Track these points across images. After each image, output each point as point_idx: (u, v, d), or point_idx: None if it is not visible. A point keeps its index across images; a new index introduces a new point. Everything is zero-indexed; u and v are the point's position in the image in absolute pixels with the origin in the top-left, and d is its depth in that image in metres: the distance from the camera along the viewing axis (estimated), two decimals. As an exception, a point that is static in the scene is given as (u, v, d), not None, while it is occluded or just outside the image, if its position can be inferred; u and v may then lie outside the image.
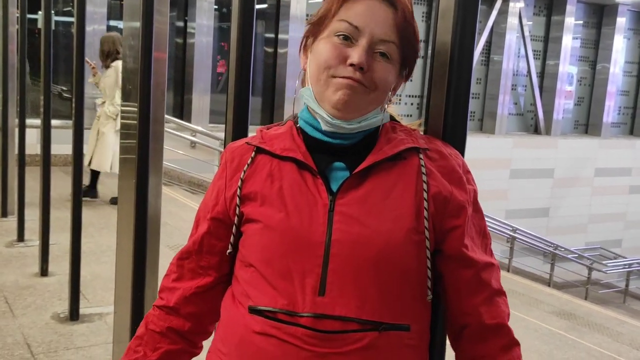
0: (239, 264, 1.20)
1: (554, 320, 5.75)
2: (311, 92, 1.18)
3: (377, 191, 1.13)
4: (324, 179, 1.15)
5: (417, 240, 1.12)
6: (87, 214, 4.07)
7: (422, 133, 1.28)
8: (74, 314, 3.65)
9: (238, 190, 1.18)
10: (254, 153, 1.21)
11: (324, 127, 1.16)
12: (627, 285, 11.85)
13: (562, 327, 5.51)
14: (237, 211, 1.18)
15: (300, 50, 1.25)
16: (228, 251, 1.21)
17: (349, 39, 1.14)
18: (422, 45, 12.90)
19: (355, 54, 1.12)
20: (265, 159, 1.20)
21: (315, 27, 1.20)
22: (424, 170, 1.16)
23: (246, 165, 1.20)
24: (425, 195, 1.14)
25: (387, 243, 1.10)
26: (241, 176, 1.19)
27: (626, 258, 13.08)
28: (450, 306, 1.20)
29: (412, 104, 12.82)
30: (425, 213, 1.13)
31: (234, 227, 1.20)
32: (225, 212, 1.21)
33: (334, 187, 1.14)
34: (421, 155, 1.18)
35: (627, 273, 12.04)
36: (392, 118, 1.25)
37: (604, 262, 12.31)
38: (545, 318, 5.76)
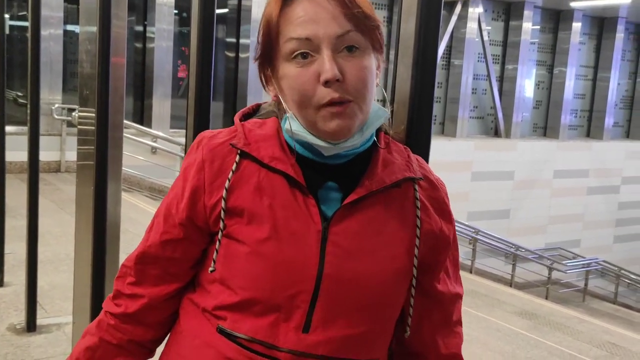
0: (212, 278, 1.10)
1: (516, 320, 5.83)
2: (299, 125, 1.06)
3: (371, 224, 1.07)
4: (316, 200, 1.06)
5: (406, 279, 1.10)
6: (44, 221, 3.97)
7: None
8: (31, 325, 3.56)
9: (223, 201, 1.06)
10: (238, 157, 1.08)
11: (326, 154, 1.06)
12: (586, 285, 12.10)
13: (524, 327, 5.59)
14: (221, 225, 1.07)
15: (262, 84, 1.13)
16: (210, 269, 1.08)
17: (308, 55, 1.02)
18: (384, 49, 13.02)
19: (325, 68, 1.01)
20: (252, 167, 1.08)
21: (266, 57, 1.09)
22: (418, 204, 1.11)
23: (231, 172, 1.07)
24: (417, 232, 1.10)
25: (379, 284, 1.06)
26: (226, 185, 1.06)
27: (585, 258, 13.36)
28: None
29: (374, 108, 12.89)
30: (416, 251, 1.10)
31: (218, 243, 1.08)
32: (204, 220, 1.09)
33: (326, 210, 1.06)
34: (416, 186, 1.12)
35: (585, 272, 12.30)
36: (385, 132, 1.16)
37: (563, 262, 12.55)
38: (507, 318, 5.84)
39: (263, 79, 1.13)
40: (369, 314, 1.07)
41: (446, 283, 1.16)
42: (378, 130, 1.14)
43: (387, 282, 1.07)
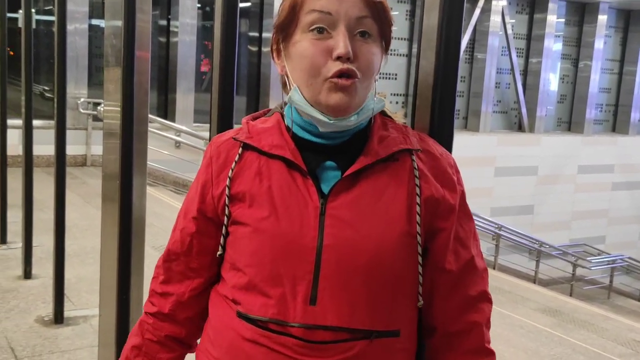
0: (227, 265, 1.17)
1: (539, 317, 5.78)
2: (301, 96, 1.12)
3: (369, 194, 1.10)
4: (314, 179, 1.11)
5: (408, 244, 1.11)
6: (70, 215, 4.03)
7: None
8: (58, 317, 3.61)
9: (227, 189, 1.14)
10: (241, 149, 1.16)
11: (321, 129, 1.12)
12: (611, 282, 11.96)
13: (548, 324, 5.54)
14: (226, 211, 1.14)
15: (272, 56, 1.20)
16: (218, 253, 1.17)
17: (324, 30, 1.08)
18: (406, 43, 13.00)
19: (339, 44, 1.07)
20: (252, 156, 1.15)
21: (284, 28, 1.14)
22: (416, 172, 1.13)
23: (234, 163, 1.15)
24: (417, 199, 1.11)
25: (379, 248, 1.08)
26: (229, 174, 1.14)
27: (610, 254, 13.19)
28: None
29: (397, 102, 12.85)
30: (418, 217, 1.11)
31: (224, 227, 1.16)
32: (214, 211, 1.17)
33: (325, 188, 1.11)
34: (414, 157, 1.15)
35: (611, 269, 12.15)
36: (383, 112, 1.21)
37: (588, 258, 12.40)
38: (531, 315, 5.79)
39: (275, 49, 1.18)
40: (372, 280, 1.08)
41: (458, 253, 1.15)
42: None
43: (386, 245, 1.08)
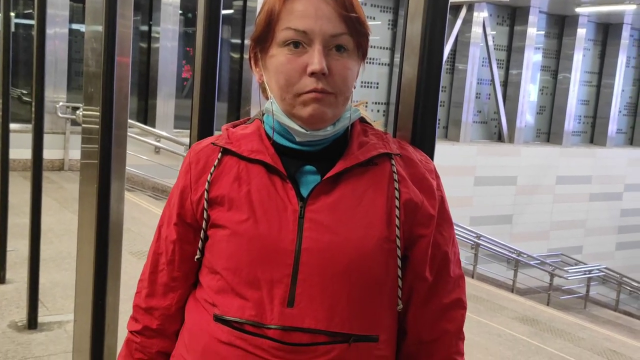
0: (205, 270, 1.16)
1: (517, 326, 5.81)
2: (277, 107, 1.14)
3: (348, 198, 1.11)
4: (293, 183, 1.11)
5: (387, 249, 1.10)
6: (47, 219, 3.98)
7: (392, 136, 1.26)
8: (32, 323, 3.56)
9: (205, 193, 1.14)
10: (220, 154, 1.16)
11: (298, 139, 1.13)
12: (587, 291, 12.08)
13: (525, 333, 5.57)
14: (204, 215, 1.14)
15: (250, 65, 1.21)
16: (196, 257, 1.17)
17: (299, 45, 1.09)
18: (388, 52, 13.07)
19: (314, 60, 1.07)
20: (232, 161, 1.15)
21: (260, 41, 1.15)
22: (395, 176, 1.13)
23: (213, 167, 1.15)
24: (397, 202, 1.11)
25: (357, 252, 1.08)
26: (208, 178, 1.14)
27: (587, 264, 13.33)
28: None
29: (378, 110, 12.90)
30: (397, 221, 1.11)
31: (202, 231, 1.16)
32: (193, 216, 1.17)
33: (304, 192, 1.11)
34: (393, 161, 1.15)
35: (587, 279, 12.27)
36: (362, 120, 1.22)
37: (565, 268, 12.52)
38: (508, 324, 5.83)
39: (252, 59, 1.19)
40: (351, 284, 1.07)
41: (435, 260, 1.15)
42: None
43: (365, 250, 1.08)
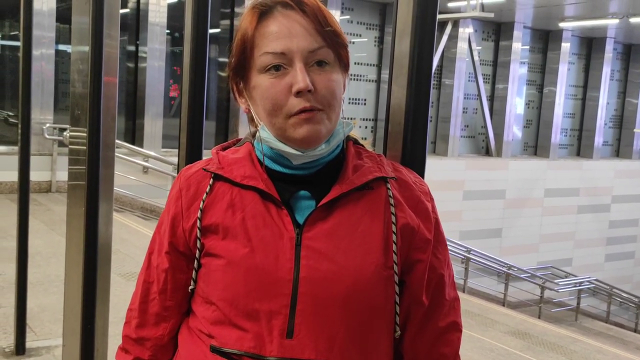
0: (198, 299, 1.13)
1: (509, 340, 5.80)
2: (269, 133, 1.11)
3: (345, 224, 1.09)
4: (288, 209, 1.09)
5: (385, 276, 1.09)
6: (34, 242, 3.94)
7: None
8: (19, 348, 3.50)
9: (198, 221, 1.11)
10: (212, 180, 1.13)
11: (294, 162, 1.10)
12: (578, 304, 12.10)
13: (518, 347, 5.56)
14: (198, 244, 1.11)
15: (234, 97, 1.19)
16: (190, 287, 1.13)
17: (280, 67, 1.08)
18: (375, 69, 13.15)
19: (297, 79, 1.06)
20: (224, 187, 1.12)
21: (238, 71, 1.14)
22: (392, 201, 1.12)
23: (205, 194, 1.12)
24: (394, 228, 1.10)
25: (356, 280, 1.06)
26: (200, 206, 1.11)
27: (576, 276, 13.36)
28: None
29: (366, 127, 12.94)
30: (394, 247, 1.09)
31: (196, 260, 1.12)
32: (185, 245, 1.13)
33: (300, 218, 1.09)
34: (388, 185, 1.13)
35: (578, 291, 12.29)
36: (355, 142, 1.20)
37: (555, 281, 12.54)
38: (501, 338, 5.81)
39: (235, 90, 1.17)
40: (350, 312, 1.06)
41: (431, 284, 1.14)
42: (347, 141, 1.17)
43: (363, 277, 1.07)
